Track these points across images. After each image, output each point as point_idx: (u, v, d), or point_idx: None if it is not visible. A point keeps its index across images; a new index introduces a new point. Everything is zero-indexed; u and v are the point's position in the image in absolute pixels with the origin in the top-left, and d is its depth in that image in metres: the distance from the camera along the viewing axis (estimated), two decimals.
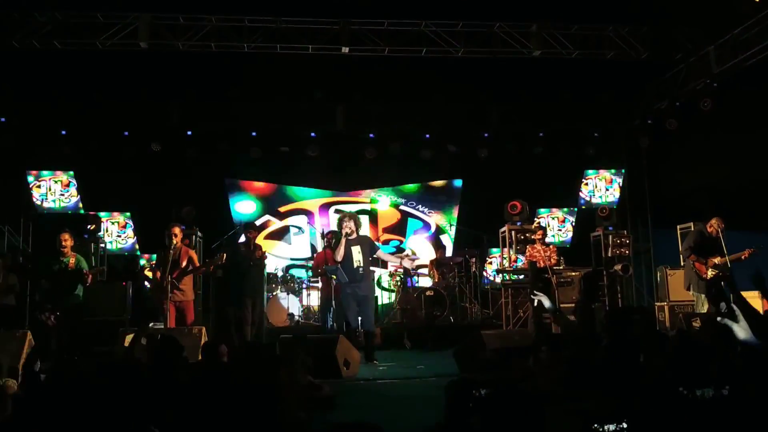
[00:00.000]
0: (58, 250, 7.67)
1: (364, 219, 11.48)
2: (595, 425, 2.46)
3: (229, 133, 11.73)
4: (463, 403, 2.31)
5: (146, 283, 10.52)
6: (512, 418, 2.23)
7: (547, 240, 9.93)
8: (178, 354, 4.27)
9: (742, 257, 8.11)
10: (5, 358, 6.51)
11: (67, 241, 7.73)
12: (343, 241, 7.91)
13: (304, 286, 11.40)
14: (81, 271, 7.67)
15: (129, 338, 6.76)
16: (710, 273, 7.95)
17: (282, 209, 13.11)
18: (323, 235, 10.49)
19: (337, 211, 12.85)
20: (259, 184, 13.11)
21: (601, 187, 12.45)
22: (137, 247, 11.69)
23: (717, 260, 8.03)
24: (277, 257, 12.56)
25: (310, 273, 11.17)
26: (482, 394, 2.31)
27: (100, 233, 10.70)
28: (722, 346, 3.38)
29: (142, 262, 11.21)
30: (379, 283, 11.57)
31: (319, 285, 10.28)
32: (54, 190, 11.32)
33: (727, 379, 2.48)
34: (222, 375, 3.08)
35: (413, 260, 10.64)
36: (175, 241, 7.84)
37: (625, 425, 2.32)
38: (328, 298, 9.56)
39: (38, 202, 11.28)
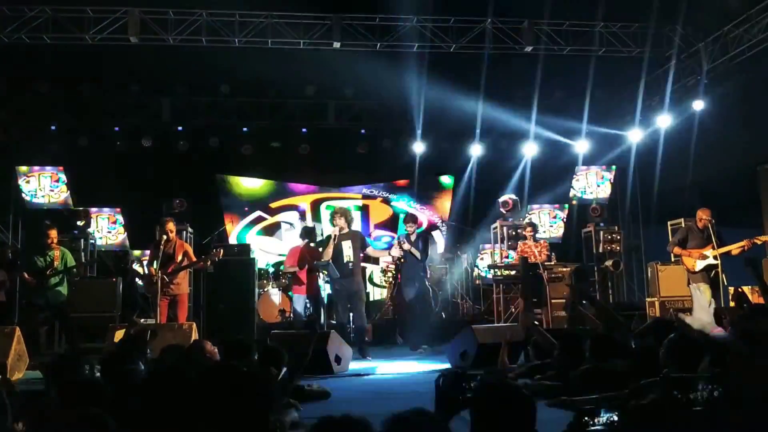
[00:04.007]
0: (45, 245, 7.63)
1: (356, 215, 11.43)
2: (586, 418, 2.46)
3: (221, 128, 11.71)
4: (453, 396, 2.30)
5: (137, 278, 10.48)
6: (503, 412, 2.23)
7: (537, 236, 9.94)
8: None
9: (745, 248, 7.58)
10: None
11: (55, 237, 7.74)
12: (332, 240, 7.86)
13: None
14: (68, 266, 7.66)
15: (119, 334, 6.74)
16: (699, 265, 7.77)
17: (273, 205, 13.07)
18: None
19: (328, 207, 12.82)
20: (250, 180, 13.05)
21: (593, 183, 12.46)
22: (127, 242, 11.61)
23: (709, 251, 7.74)
24: (267, 253, 12.52)
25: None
26: (473, 388, 2.31)
27: (90, 229, 10.63)
28: (714, 342, 3.39)
29: (134, 256, 11.16)
30: (370, 279, 11.52)
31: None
32: (43, 186, 11.21)
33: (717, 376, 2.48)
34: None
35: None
36: (171, 236, 7.82)
37: (615, 417, 2.33)
38: (317, 293, 9.47)
39: (27, 198, 11.18)
